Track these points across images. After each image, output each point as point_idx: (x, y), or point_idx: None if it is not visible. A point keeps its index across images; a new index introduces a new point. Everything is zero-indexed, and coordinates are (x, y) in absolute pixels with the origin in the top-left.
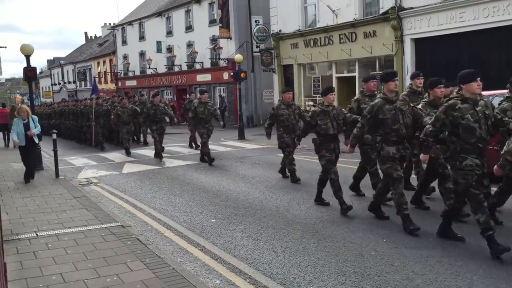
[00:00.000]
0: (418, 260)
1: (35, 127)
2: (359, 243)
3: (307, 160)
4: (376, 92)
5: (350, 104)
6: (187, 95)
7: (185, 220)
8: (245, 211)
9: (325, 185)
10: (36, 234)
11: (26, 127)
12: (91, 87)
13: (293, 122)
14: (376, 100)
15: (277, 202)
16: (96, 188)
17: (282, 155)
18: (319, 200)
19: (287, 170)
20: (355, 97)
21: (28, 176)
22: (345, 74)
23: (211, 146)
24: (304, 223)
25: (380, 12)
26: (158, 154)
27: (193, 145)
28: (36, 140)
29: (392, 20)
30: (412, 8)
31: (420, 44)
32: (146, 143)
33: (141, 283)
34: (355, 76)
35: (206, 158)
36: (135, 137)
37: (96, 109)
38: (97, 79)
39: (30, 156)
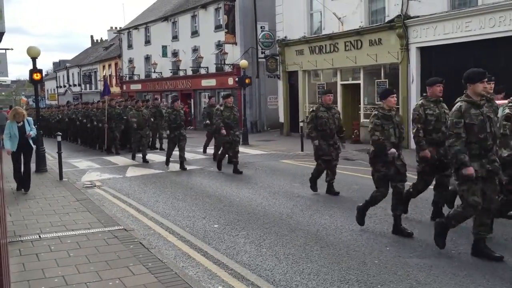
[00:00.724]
0: (422, 269)
1: (30, 130)
2: (363, 251)
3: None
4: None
5: (415, 111)
6: (206, 99)
7: (188, 225)
8: (248, 217)
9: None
10: (39, 236)
11: (22, 130)
12: (102, 89)
13: (331, 127)
14: (460, 104)
15: (280, 208)
16: (99, 191)
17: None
18: (398, 231)
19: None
20: (419, 103)
21: (25, 184)
22: (350, 82)
23: (212, 151)
24: (307, 230)
25: (386, 20)
26: (168, 161)
27: (207, 151)
28: (32, 144)
29: (398, 28)
30: (418, 16)
31: (426, 52)
32: (162, 149)
33: (143, 287)
34: (360, 84)
35: (218, 165)
36: (149, 143)
37: (109, 111)
38: (108, 81)
39: (27, 160)
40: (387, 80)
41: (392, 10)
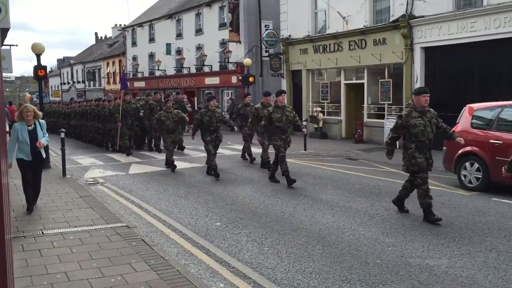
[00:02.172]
0: (424, 269)
1: (43, 136)
2: (365, 251)
3: (312, 166)
4: None
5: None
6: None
7: (190, 223)
8: (251, 215)
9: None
10: (42, 232)
11: (32, 136)
12: (120, 82)
13: (429, 136)
14: None
15: (283, 207)
16: (102, 188)
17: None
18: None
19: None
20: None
21: (32, 204)
22: (354, 81)
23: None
24: (310, 229)
25: (391, 20)
26: (210, 169)
27: (247, 157)
28: (44, 154)
29: (402, 28)
30: (423, 16)
31: (430, 53)
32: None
33: (145, 284)
34: (363, 83)
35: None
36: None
37: (123, 107)
38: (125, 75)
39: (37, 176)
40: (391, 80)
41: (397, 10)
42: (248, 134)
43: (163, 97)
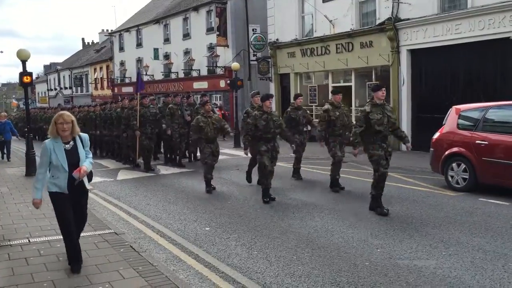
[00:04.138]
0: (412, 271)
1: (86, 157)
2: (353, 253)
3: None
4: None
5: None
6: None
7: (179, 228)
8: (240, 220)
9: None
10: (29, 241)
11: (71, 157)
12: (137, 82)
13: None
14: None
15: (272, 211)
16: (90, 194)
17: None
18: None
19: None
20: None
21: (79, 261)
22: (342, 84)
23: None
24: (299, 232)
25: (377, 23)
26: (267, 194)
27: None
28: (87, 185)
29: (388, 31)
30: (408, 19)
31: (416, 55)
32: (191, 159)
33: None
34: (351, 86)
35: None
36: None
37: (141, 112)
38: (141, 75)
39: (81, 214)
40: (378, 82)
41: (383, 13)
42: (299, 144)
43: (208, 101)
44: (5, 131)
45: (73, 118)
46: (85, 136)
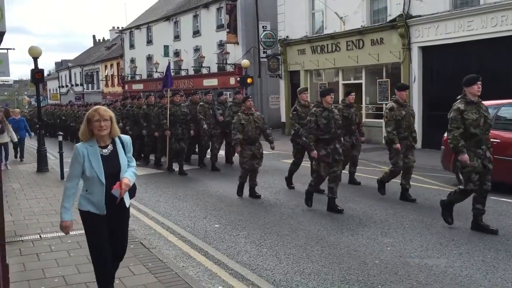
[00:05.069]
0: (423, 269)
1: (128, 165)
2: (363, 251)
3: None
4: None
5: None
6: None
7: (189, 225)
8: (249, 217)
9: None
10: (40, 236)
11: (110, 166)
12: (165, 77)
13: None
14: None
15: (281, 208)
16: None
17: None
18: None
19: None
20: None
21: None
22: (352, 81)
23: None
24: (308, 230)
25: (388, 20)
26: (333, 206)
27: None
28: (128, 202)
29: (399, 27)
30: (420, 16)
31: (428, 52)
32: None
33: (143, 287)
34: (361, 83)
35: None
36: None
37: (172, 111)
38: (170, 69)
39: (121, 240)
40: (389, 79)
41: (394, 10)
42: (351, 146)
43: (249, 97)
44: (19, 128)
45: (112, 114)
46: (126, 138)
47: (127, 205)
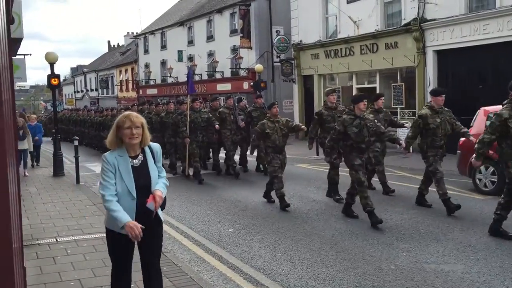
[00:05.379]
0: (439, 275)
1: (159, 176)
2: (378, 257)
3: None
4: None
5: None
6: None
7: (203, 229)
8: (263, 221)
9: None
10: (56, 240)
11: (141, 178)
12: (187, 82)
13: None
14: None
15: (295, 213)
16: None
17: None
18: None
19: None
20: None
21: None
22: (366, 85)
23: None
24: (322, 234)
25: (402, 24)
26: (375, 220)
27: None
28: (162, 216)
29: (414, 31)
30: (435, 19)
31: (443, 56)
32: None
33: None
34: (375, 87)
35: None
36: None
37: (192, 118)
38: (192, 75)
39: (153, 265)
40: (403, 83)
41: (409, 13)
42: (380, 153)
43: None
44: (36, 134)
45: (143, 120)
46: (156, 146)
47: (162, 219)
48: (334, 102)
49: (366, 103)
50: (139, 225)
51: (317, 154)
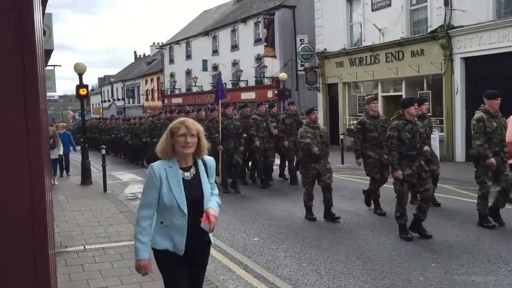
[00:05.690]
0: (469, 287)
1: (211, 192)
2: (407, 267)
3: (350, 179)
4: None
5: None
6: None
7: (228, 238)
8: (288, 230)
9: None
10: (84, 247)
11: (193, 193)
12: (217, 89)
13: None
14: None
15: (321, 222)
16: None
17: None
18: None
19: None
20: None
21: None
22: (392, 93)
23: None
24: (348, 244)
25: (429, 31)
26: (423, 233)
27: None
28: (211, 238)
29: (441, 38)
30: (462, 26)
31: (471, 63)
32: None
33: None
34: (401, 95)
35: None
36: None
37: (224, 124)
38: (222, 80)
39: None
40: (430, 91)
41: (435, 21)
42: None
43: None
44: (63, 143)
45: (200, 128)
46: (210, 160)
47: (212, 241)
48: (376, 110)
49: (417, 107)
50: (147, 270)
51: (342, 163)
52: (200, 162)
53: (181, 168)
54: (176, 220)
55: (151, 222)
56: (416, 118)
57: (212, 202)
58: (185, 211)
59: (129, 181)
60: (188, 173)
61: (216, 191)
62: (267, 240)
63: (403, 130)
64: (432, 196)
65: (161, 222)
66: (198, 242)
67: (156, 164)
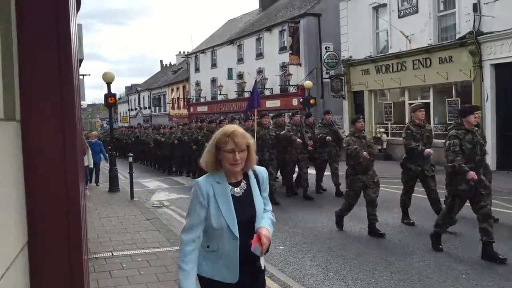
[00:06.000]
0: None
1: (264, 209)
2: (436, 279)
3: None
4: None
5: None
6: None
7: None
8: (314, 239)
9: None
10: (112, 254)
11: (244, 213)
12: (251, 98)
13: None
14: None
15: (347, 231)
16: (167, 210)
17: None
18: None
19: None
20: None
21: None
22: (419, 101)
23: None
24: (376, 254)
25: (457, 37)
26: (492, 254)
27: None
28: (263, 264)
29: (470, 45)
30: (491, 32)
31: (501, 69)
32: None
33: None
34: (429, 103)
35: None
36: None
37: (260, 134)
38: (257, 88)
39: None
40: (458, 98)
41: (463, 27)
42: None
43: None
44: (94, 152)
45: (250, 140)
46: (263, 171)
47: (263, 266)
48: (422, 119)
49: (477, 116)
50: None
51: None
52: (251, 174)
53: (230, 184)
54: (226, 244)
55: (195, 247)
56: (476, 128)
57: (265, 220)
58: (237, 234)
59: (155, 189)
60: (238, 188)
61: (270, 207)
62: (293, 249)
63: (464, 140)
64: (490, 212)
65: (208, 246)
66: (250, 268)
67: (202, 180)
